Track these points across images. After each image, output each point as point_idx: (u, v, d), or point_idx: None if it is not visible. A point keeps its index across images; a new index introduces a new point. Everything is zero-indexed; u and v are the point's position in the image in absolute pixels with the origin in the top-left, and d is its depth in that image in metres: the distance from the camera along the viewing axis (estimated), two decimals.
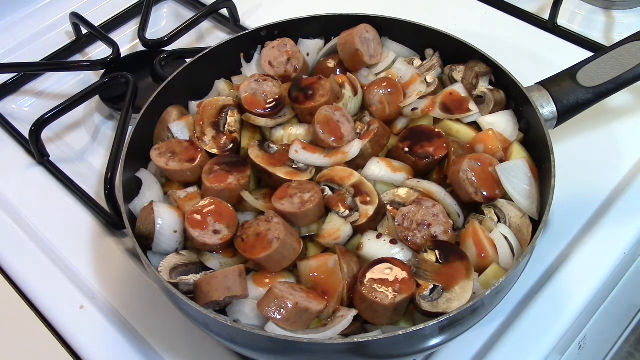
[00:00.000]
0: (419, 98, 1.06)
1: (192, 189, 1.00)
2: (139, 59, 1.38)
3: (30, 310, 1.04)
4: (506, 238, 0.90)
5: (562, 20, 1.38)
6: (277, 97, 1.06)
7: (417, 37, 1.14)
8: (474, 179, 0.94)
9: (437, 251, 0.88)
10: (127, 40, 1.49)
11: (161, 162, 1.00)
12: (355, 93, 1.08)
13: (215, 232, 0.91)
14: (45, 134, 1.23)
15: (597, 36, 1.36)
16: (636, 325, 1.66)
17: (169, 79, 1.09)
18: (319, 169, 0.99)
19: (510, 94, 1.05)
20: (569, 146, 1.16)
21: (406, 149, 1.00)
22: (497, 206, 0.94)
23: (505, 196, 0.95)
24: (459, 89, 1.07)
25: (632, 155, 1.16)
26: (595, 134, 1.19)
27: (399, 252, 0.90)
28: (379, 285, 0.84)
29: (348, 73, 1.11)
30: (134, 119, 1.06)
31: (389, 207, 0.95)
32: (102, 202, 1.14)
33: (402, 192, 0.97)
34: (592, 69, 1.04)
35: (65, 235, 1.13)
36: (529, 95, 1.00)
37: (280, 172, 0.97)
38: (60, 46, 1.46)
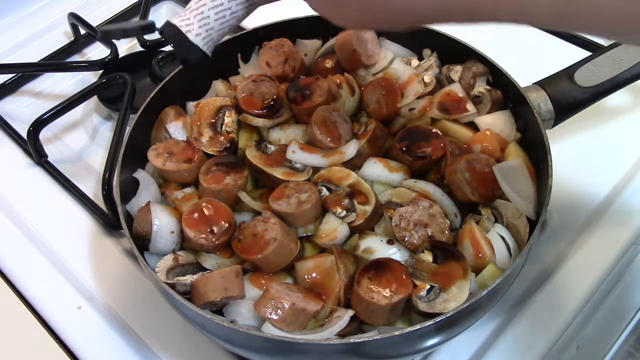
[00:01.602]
0: (417, 98, 1.06)
1: (189, 190, 1.00)
2: (137, 59, 1.38)
3: (27, 310, 1.04)
4: (503, 238, 0.90)
5: None
6: (274, 97, 1.06)
7: (414, 37, 1.14)
8: (471, 179, 0.94)
9: (434, 251, 0.88)
10: (125, 40, 1.48)
11: (158, 162, 1.00)
12: (353, 93, 1.08)
13: (212, 232, 0.91)
14: (44, 134, 1.23)
15: None
16: (636, 325, 1.66)
17: (167, 79, 1.09)
18: (316, 170, 0.99)
19: (508, 94, 1.05)
20: (567, 146, 1.16)
21: (403, 149, 1.00)
22: (494, 206, 0.94)
23: (503, 196, 0.95)
24: (456, 89, 1.07)
25: (630, 155, 1.16)
26: (593, 133, 1.19)
27: (396, 253, 0.89)
28: (376, 286, 0.84)
29: (345, 73, 1.11)
30: (131, 120, 1.06)
31: (386, 208, 0.95)
32: (100, 202, 1.14)
33: (399, 192, 0.96)
34: (590, 68, 1.04)
35: (63, 235, 1.13)
36: (527, 95, 1.00)
37: (278, 173, 0.97)
38: (59, 47, 1.46)
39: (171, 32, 0.87)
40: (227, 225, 0.92)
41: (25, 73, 1.42)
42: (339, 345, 0.80)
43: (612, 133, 1.19)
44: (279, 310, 0.82)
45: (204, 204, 0.93)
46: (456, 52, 1.09)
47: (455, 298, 0.83)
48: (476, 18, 0.65)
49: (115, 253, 1.10)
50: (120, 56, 1.37)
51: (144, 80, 1.33)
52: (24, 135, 1.22)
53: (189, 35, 0.86)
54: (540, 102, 1.01)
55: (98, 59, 1.37)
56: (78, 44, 1.48)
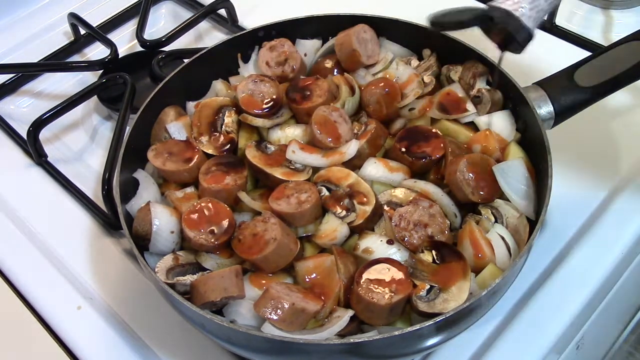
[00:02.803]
0: (416, 98, 1.07)
1: (189, 190, 1.00)
2: (137, 60, 1.38)
3: (27, 310, 1.04)
4: (503, 238, 0.90)
5: (560, 20, 1.38)
6: (274, 97, 1.06)
7: (414, 37, 1.14)
8: (470, 179, 0.94)
9: (433, 251, 0.88)
10: (125, 40, 1.49)
11: (158, 162, 1.00)
12: (353, 93, 1.08)
13: (212, 232, 0.91)
14: (43, 134, 1.24)
15: (595, 36, 1.36)
16: (635, 325, 1.66)
17: (167, 79, 1.09)
18: (316, 170, 0.99)
19: (508, 94, 1.05)
20: (567, 146, 1.15)
21: (403, 149, 1.00)
22: (494, 206, 0.94)
23: (502, 196, 0.95)
24: (456, 89, 1.07)
25: (629, 155, 1.16)
26: (593, 133, 1.19)
27: (396, 253, 0.90)
28: (376, 286, 0.84)
29: (345, 73, 1.11)
30: (131, 120, 1.06)
31: (385, 208, 0.95)
32: (100, 202, 1.14)
33: (399, 192, 0.97)
34: (590, 68, 1.04)
35: (62, 235, 1.13)
36: (526, 95, 1.00)
37: (277, 173, 0.97)
38: (59, 47, 1.46)
39: (502, 15, 0.86)
40: (227, 225, 0.92)
41: (25, 73, 1.42)
42: (339, 345, 0.80)
43: (612, 132, 1.19)
44: (278, 310, 0.82)
45: (203, 204, 0.93)
46: (456, 52, 1.09)
47: (455, 298, 0.83)
48: None
49: (115, 253, 1.10)
50: (120, 56, 1.37)
51: (144, 80, 1.33)
52: (24, 135, 1.22)
53: (522, 18, 0.85)
54: (540, 102, 1.01)
55: (98, 59, 1.37)
56: (78, 44, 1.48)
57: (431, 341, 0.86)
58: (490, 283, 0.82)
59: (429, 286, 0.85)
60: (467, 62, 1.08)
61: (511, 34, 0.87)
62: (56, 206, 1.18)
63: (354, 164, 0.99)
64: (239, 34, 1.18)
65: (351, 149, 0.98)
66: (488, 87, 1.06)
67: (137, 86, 1.27)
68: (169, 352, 0.98)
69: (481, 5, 0.92)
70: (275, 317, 0.82)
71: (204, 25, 1.49)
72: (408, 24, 1.13)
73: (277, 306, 0.82)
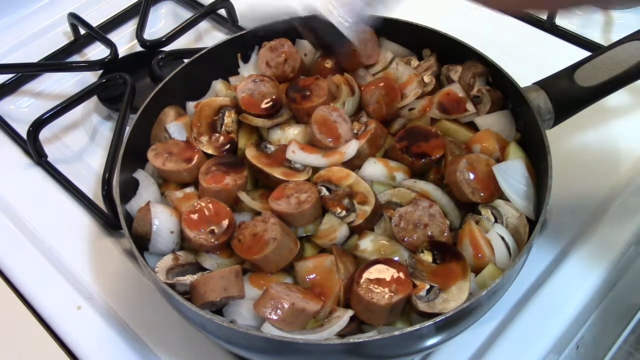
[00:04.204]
0: (416, 98, 1.07)
1: (189, 190, 1.00)
2: (137, 60, 1.38)
3: (27, 310, 1.04)
4: (503, 238, 0.90)
5: (560, 20, 1.38)
6: (274, 97, 1.06)
7: (414, 37, 1.14)
8: (470, 179, 0.94)
9: (433, 251, 0.88)
10: (125, 40, 1.49)
11: (158, 162, 1.00)
12: (353, 93, 1.08)
13: (212, 232, 0.91)
14: (43, 134, 1.24)
15: (595, 36, 1.36)
16: (635, 325, 1.66)
17: (167, 79, 1.09)
18: (316, 170, 0.99)
19: (508, 94, 1.05)
20: (567, 146, 1.16)
21: (403, 149, 1.00)
22: (494, 206, 0.94)
23: (502, 196, 0.95)
24: (456, 89, 1.07)
25: (629, 155, 1.16)
26: (593, 133, 1.19)
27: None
28: (375, 286, 0.84)
29: (345, 73, 1.11)
30: (131, 120, 1.06)
31: (385, 208, 0.95)
32: (100, 202, 1.14)
33: (399, 192, 0.96)
34: (590, 68, 1.04)
35: (62, 235, 1.13)
36: (526, 95, 1.00)
37: (277, 173, 0.97)
38: (59, 47, 1.46)
39: (325, 27, 0.89)
40: (226, 225, 0.92)
41: (25, 73, 1.42)
42: (339, 345, 0.80)
43: (612, 133, 1.19)
44: (278, 310, 0.82)
45: (203, 204, 0.93)
46: (456, 52, 1.09)
47: (454, 298, 0.83)
48: None
49: (115, 253, 1.10)
50: (120, 56, 1.37)
51: (144, 80, 1.33)
52: (24, 135, 1.22)
53: (344, 31, 0.88)
54: (540, 102, 1.01)
55: (98, 59, 1.37)
56: (78, 44, 1.48)
57: (431, 341, 0.86)
58: (490, 283, 0.82)
59: (428, 286, 0.85)
60: (467, 62, 1.08)
61: (331, 43, 0.90)
62: (56, 206, 1.18)
63: (354, 164, 0.99)
64: (239, 34, 1.18)
65: (351, 149, 0.98)
66: (488, 87, 1.06)
67: (137, 86, 1.27)
68: (169, 352, 0.98)
69: (299, 13, 0.94)
70: (275, 317, 0.82)
71: (203, 25, 1.49)
72: (408, 23, 1.13)
73: (277, 306, 0.82)
